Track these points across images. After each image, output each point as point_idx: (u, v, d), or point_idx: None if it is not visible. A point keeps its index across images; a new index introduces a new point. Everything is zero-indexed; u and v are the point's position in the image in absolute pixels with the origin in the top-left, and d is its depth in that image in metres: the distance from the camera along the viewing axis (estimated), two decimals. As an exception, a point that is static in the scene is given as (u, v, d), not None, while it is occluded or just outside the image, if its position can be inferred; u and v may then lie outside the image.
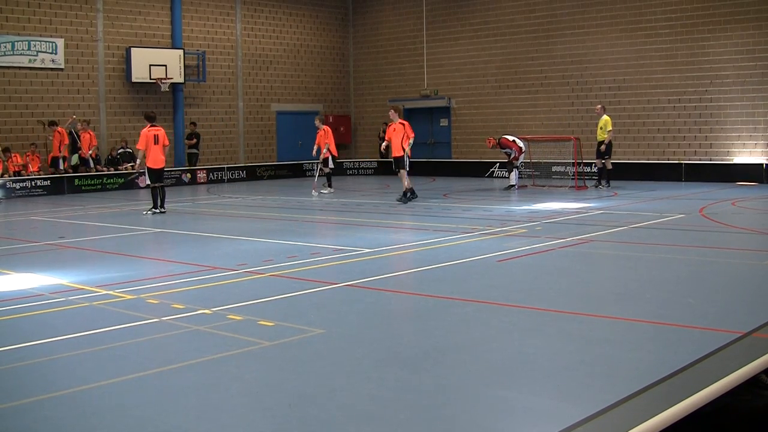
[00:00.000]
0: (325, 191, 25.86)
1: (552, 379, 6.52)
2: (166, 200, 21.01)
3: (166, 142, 20.81)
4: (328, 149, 26.26)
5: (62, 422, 5.75)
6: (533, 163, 29.39)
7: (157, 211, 20.36)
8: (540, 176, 29.44)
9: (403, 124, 21.86)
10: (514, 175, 26.15)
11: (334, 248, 13.44)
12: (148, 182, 20.56)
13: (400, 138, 21.68)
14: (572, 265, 11.86)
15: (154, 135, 20.48)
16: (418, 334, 8.02)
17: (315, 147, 26.82)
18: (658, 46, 29.54)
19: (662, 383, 6.24)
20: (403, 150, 21.61)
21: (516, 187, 25.82)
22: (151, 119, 20.88)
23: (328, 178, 26.73)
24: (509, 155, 26.32)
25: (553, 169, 30.26)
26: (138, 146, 20.71)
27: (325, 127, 26.81)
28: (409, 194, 21.89)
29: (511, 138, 26.36)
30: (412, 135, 21.95)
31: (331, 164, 26.56)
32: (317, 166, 27.39)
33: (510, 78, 33.83)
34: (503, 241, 14.01)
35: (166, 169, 21.82)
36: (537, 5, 32.90)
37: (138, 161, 20.86)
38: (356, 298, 9.68)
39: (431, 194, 24.42)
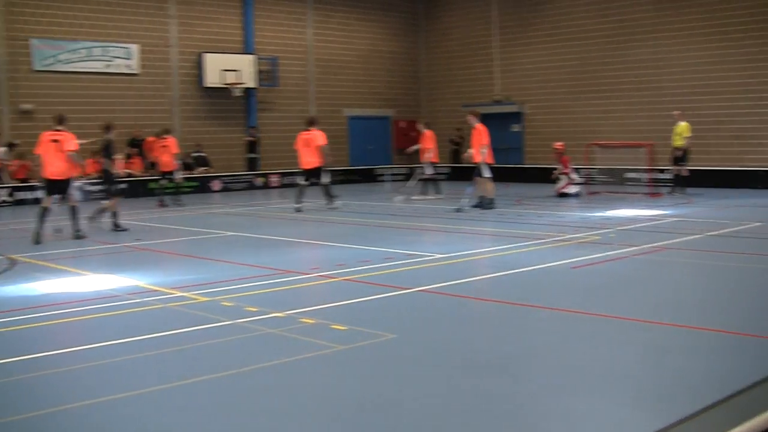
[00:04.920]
0: (418, 198, 24.75)
1: (625, 388, 6.41)
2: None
3: (319, 142, 22.08)
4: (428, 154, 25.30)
5: (137, 421, 5.79)
6: (606, 169, 29.08)
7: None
8: (613, 183, 29.11)
9: (479, 130, 21.34)
10: (573, 187, 25.54)
11: (407, 253, 13.40)
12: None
13: (476, 144, 21.34)
14: (646, 273, 11.69)
15: (305, 139, 22.12)
16: (490, 341, 7.96)
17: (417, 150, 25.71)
18: (734, 50, 29.11)
19: (740, 395, 6.10)
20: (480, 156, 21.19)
21: (577, 194, 25.32)
22: (312, 123, 22.51)
23: (427, 183, 25.77)
24: (555, 169, 25.87)
25: (627, 175, 29.90)
26: (295, 146, 22.54)
27: (426, 131, 25.98)
28: (484, 202, 21.28)
29: (569, 167, 25.63)
30: (485, 141, 21.20)
31: (429, 170, 25.47)
32: (418, 171, 26.13)
33: (583, 83, 33.55)
34: (576, 248, 13.87)
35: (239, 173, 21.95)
36: (610, 9, 32.59)
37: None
38: (429, 304, 9.63)
39: (504, 200, 24.25)
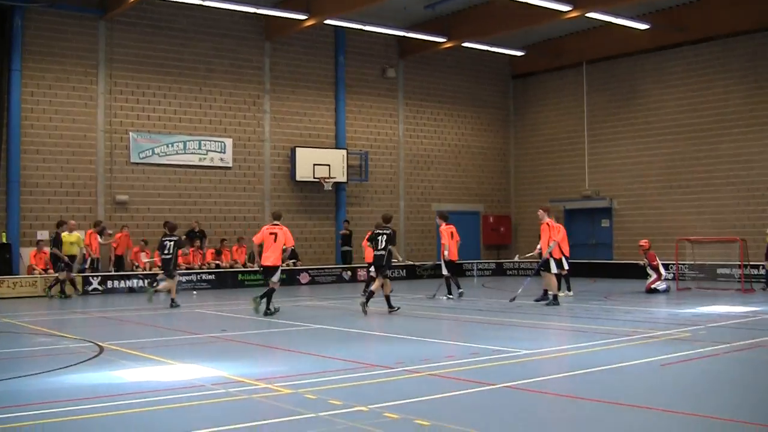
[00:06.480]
0: (562, 293, 22.81)
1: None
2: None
3: (457, 237, 24.00)
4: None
5: None
6: (697, 265, 28.66)
7: (451, 297, 23.63)
8: (704, 278, 28.66)
9: (549, 225, 21.52)
10: (661, 283, 25.08)
11: (493, 349, 13.30)
12: (445, 272, 23.78)
13: (545, 239, 21.46)
14: (740, 372, 11.43)
15: (450, 232, 23.70)
16: (577, 439, 7.82)
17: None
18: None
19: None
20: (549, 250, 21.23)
21: (667, 290, 24.94)
22: (445, 218, 24.16)
23: (566, 280, 23.81)
24: (645, 265, 25.50)
25: (719, 271, 29.44)
26: (443, 241, 23.86)
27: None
28: (551, 299, 21.13)
29: (657, 261, 25.26)
30: (555, 238, 21.38)
31: (565, 265, 23.17)
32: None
33: (674, 178, 33.29)
34: (666, 345, 13.62)
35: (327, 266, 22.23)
36: (702, 104, 32.45)
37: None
38: (514, 400, 9.52)
39: (591, 296, 24.03)
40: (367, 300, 19.56)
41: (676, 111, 33.37)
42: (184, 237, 27.20)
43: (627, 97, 35.16)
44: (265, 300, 19.33)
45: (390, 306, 19.72)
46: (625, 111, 35.18)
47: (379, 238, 20.00)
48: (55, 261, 25.44)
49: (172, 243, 21.91)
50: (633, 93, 34.95)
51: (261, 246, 19.76)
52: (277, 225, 19.63)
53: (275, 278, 19.50)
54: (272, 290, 19.48)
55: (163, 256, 22.01)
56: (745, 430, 8.03)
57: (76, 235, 25.88)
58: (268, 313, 19.23)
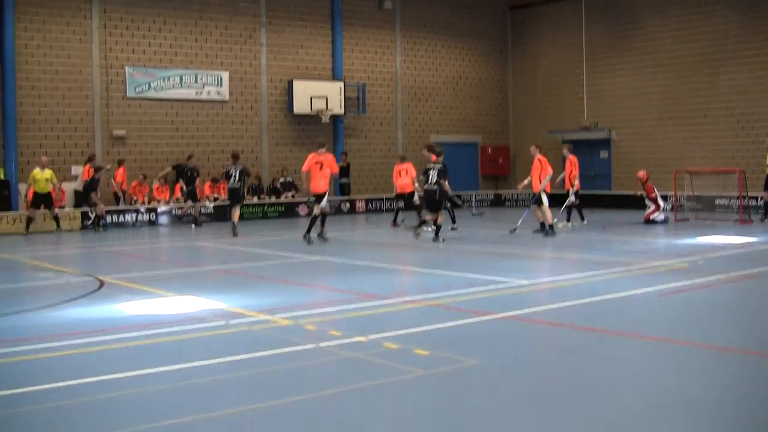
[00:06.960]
0: (576, 223, 24.63)
1: (711, 420, 6.30)
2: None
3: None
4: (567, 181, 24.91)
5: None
6: (695, 196, 28.68)
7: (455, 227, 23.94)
8: (703, 209, 28.69)
9: (540, 161, 21.83)
10: (659, 214, 25.20)
11: (491, 279, 13.36)
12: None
13: (537, 174, 21.69)
14: (736, 302, 11.50)
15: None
16: (573, 369, 7.86)
17: (559, 177, 24.97)
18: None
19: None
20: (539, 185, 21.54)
21: (665, 221, 25.04)
22: (435, 150, 22.47)
23: (579, 210, 25.23)
24: (643, 197, 25.58)
25: (717, 202, 29.46)
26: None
27: (571, 156, 25.34)
28: (548, 229, 21.38)
29: (654, 193, 25.37)
30: (549, 172, 21.72)
31: (571, 197, 24.66)
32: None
33: (672, 109, 33.16)
34: (664, 276, 13.69)
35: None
36: (700, 35, 32.20)
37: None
38: (512, 330, 9.59)
39: (590, 227, 24.07)
40: (419, 225, 20.93)
41: (675, 42, 33.14)
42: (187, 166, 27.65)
43: (626, 28, 34.88)
44: (315, 229, 20.53)
45: (436, 236, 20.37)
46: (624, 42, 34.94)
47: (431, 172, 20.68)
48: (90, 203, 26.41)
49: (237, 172, 23.29)
50: (632, 24, 34.68)
51: (309, 174, 20.54)
52: (322, 154, 20.55)
53: (323, 203, 20.43)
54: (324, 216, 20.71)
55: (230, 186, 23.44)
56: (740, 358, 8.10)
57: (49, 171, 25.79)
58: (321, 238, 20.61)
